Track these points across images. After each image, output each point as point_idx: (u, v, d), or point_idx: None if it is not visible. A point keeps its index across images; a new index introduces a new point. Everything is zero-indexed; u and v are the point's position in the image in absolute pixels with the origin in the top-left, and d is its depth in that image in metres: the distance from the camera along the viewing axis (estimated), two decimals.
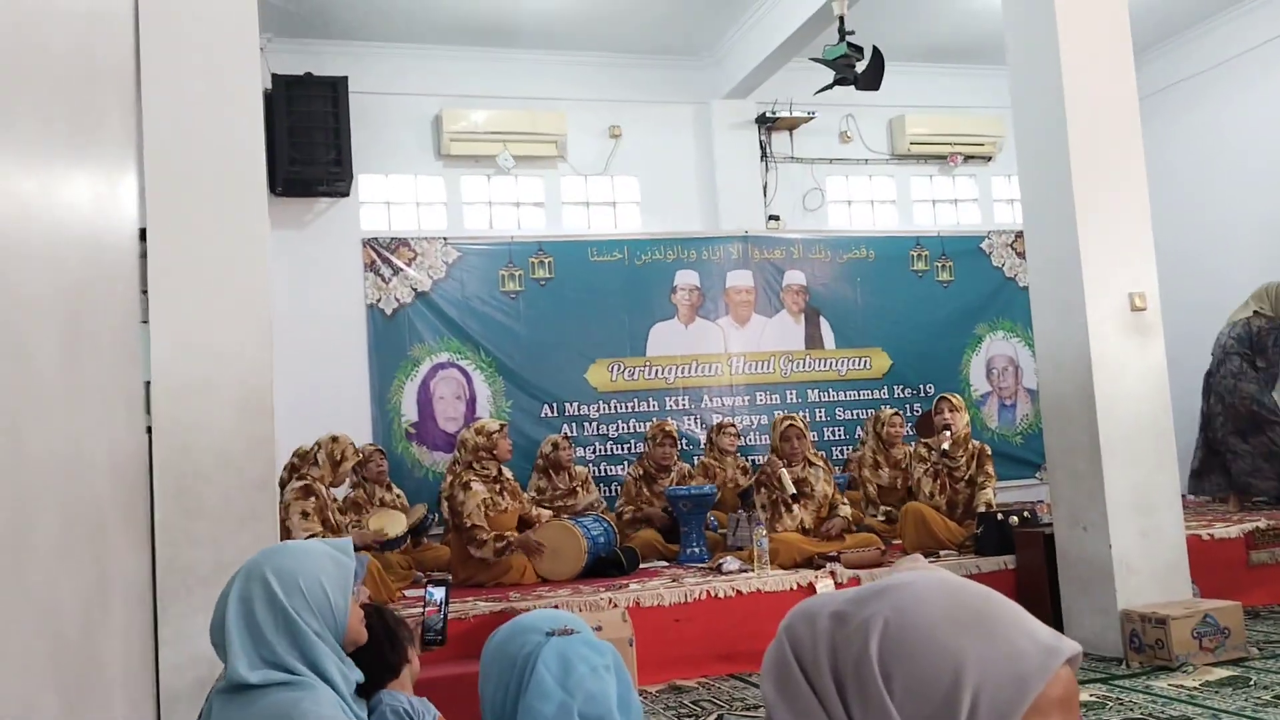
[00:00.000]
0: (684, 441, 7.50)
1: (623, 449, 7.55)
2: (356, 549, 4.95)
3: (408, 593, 5.25)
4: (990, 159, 8.80)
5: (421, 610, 3.87)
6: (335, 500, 5.60)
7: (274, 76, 6.79)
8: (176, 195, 4.00)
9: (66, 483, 0.57)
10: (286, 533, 4.85)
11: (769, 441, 6.09)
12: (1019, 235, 8.00)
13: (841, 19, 6.26)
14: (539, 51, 7.70)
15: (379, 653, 2.06)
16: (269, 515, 3.85)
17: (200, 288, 3.96)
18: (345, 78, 6.99)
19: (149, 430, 3.85)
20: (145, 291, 4.01)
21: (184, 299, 3.94)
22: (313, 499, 5.08)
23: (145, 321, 3.98)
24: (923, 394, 8.06)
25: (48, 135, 0.63)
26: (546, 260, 7.61)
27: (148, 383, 3.91)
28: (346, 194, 7.22)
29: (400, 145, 7.54)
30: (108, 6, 0.66)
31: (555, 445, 6.66)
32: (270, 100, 6.72)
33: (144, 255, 4.04)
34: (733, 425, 7.14)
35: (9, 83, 0.56)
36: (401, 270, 7.32)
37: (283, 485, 5.14)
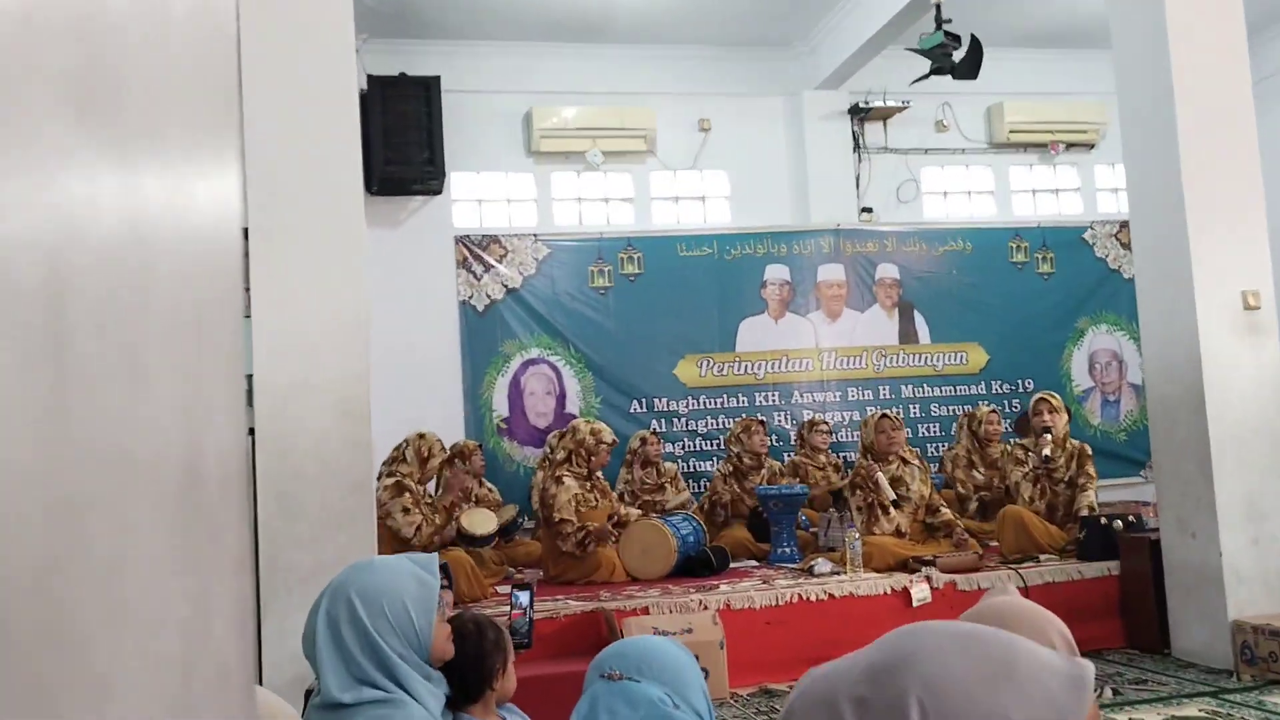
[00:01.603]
0: (774, 438, 7.44)
1: (711, 445, 7.51)
2: (454, 541, 5.01)
3: (499, 589, 5.31)
4: (1093, 146, 8.51)
5: (508, 612, 3.92)
6: (428, 496, 5.69)
7: (369, 77, 6.90)
8: (276, 197, 4.09)
9: (186, 488, 0.58)
10: (388, 530, 4.96)
11: (861, 439, 5.99)
12: (1124, 225, 7.72)
13: (938, 7, 6.12)
14: (628, 47, 7.68)
15: (462, 674, 2.07)
16: (366, 517, 3.92)
17: (300, 290, 4.05)
18: (438, 77, 7.07)
19: (251, 432, 3.96)
20: (248, 289, 4.12)
21: (284, 301, 4.03)
22: (406, 494, 5.17)
23: (247, 317, 4.10)
24: (1021, 390, 7.84)
25: (180, 138, 0.64)
26: (636, 256, 7.60)
27: (250, 380, 4.02)
28: (439, 192, 7.32)
29: (491, 143, 7.60)
30: (211, 7, 0.67)
31: (644, 440, 6.66)
32: (365, 101, 6.82)
33: (245, 255, 4.16)
34: (825, 423, 7.05)
35: (147, 84, 0.56)
36: (493, 267, 7.39)
37: (377, 479, 5.25)
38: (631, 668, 1.79)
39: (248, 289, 4.11)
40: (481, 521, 5.38)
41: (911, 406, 7.85)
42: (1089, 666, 0.82)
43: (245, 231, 4.20)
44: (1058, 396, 6.00)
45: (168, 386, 0.59)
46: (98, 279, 0.50)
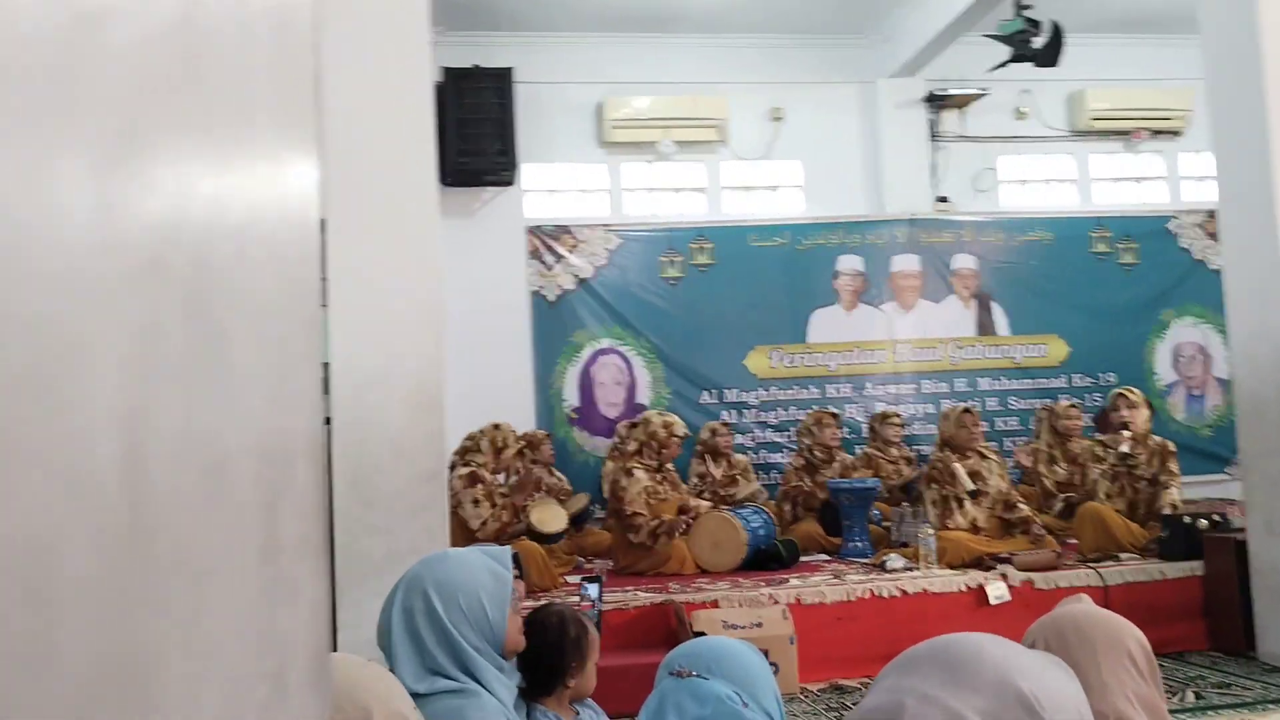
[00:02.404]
0: (845, 430, 7.36)
1: (782, 436, 7.46)
2: (522, 534, 5.04)
3: (568, 578, 5.34)
4: (1178, 134, 8.25)
5: (577, 603, 3.94)
6: (501, 486, 5.74)
7: (444, 70, 6.97)
8: (353, 190, 4.15)
9: (269, 473, 0.59)
10: (458, 520, 5.01)
11: (938, 431, 5.90)
12: (1210, 215, 7.49)
13: None
14: (700, 36, 7.64)
15: (536, 666, 2.09)
16: (439, 506, 3.98)
17: (376, 281, 4.11)
18: (511, 69, 7.11)
19: (328, 421, 4.04)
20: (325, 279, 4.20)
21: (361, 292, 4.09)
22: (479, 485, 5.22)
23: (324, 306, 4.17)
24: (1103, 383, 7.65)
25: (266, 129, 0.65)
26: (707, 246, 7.57)
27: (326, 369, 4.10)
28: (511, 183, 7.37)
29: (563, 133, 7.63)
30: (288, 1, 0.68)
31: (714, 431, 6.64)
32: (440, 93, 6.90)
33: (323, 246, 4.23)
34: (897, 415, 6.95)
35: (234, 76, 0.57)
36: (564, 257, 7.42)
37: (451, 469, 5.31)
38: (702, 666, 1.79)
39: (325, 279, 4.19)
40: (552, 519, 5.40)
41: (989, 399, 7.71)
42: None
43: (322, 223, 4.28)
44: (1137, 391, 5.83)
45: (255, 374, 0.59)
46: (190, 269, 0.50)
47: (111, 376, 0.43)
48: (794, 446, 7.03)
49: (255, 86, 0.63)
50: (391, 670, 1.97)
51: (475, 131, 6.99)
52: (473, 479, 5.23)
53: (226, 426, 0.55)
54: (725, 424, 6.85)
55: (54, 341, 0.39)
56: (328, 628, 0.81)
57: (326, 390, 4.07)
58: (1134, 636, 1.58)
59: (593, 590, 3.55)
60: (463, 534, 4.99)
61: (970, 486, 5.39)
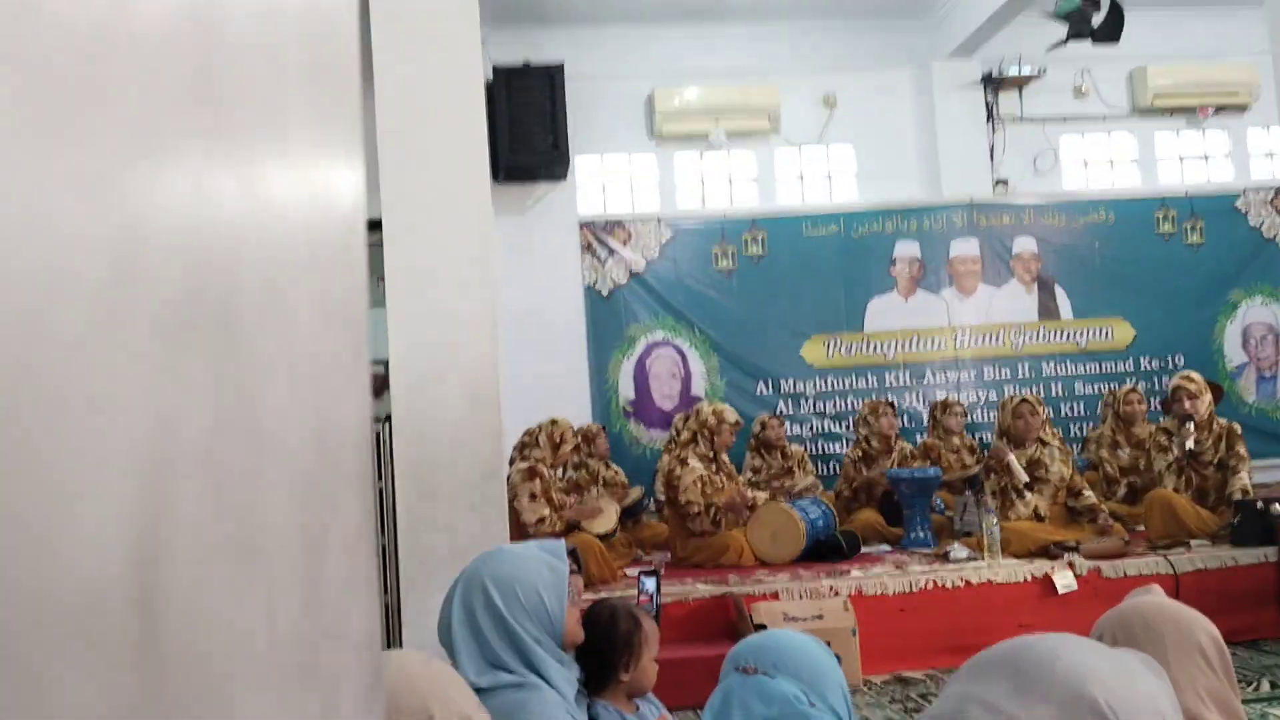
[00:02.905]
0: (906, 418, 7.29)
1: (840, 426, 7.40)
2: (573, 528, 5.07)
3: (628, 570, 5.35)
4: (1245, 109, 8.02)
5: (635, 597, 3.94)
6: (559, 481, 5.78)
7: (495, 68, 7.00)
8: (407, 190, 4.18)
9: (314, 473, 0.57)
10: (515, 514, 5.04)
11: (998, 422, 5.80)
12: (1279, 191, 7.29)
13: None
14: (749, 24, 7.59)
15: (592, 659, 2.09)
16: (498, 502, 4.00)
17: (432, 280, 4.14)
18: (561, 64, 7.12)
19: (388, 418, 4.08)
20: (382, 279, 4.25)
21: (417, 291, 4.13)
22: (537, 480, 5.25)
23: (381, 305, 4.22)
24: (1171, 365, 7.46)
25: (300, 133, 0.64)
26: (760, 236, 7.52)
27: (385, 368, 4.14)
28: (564, 177, 7.38)
29: (614, 127, 7.63)
30: (332, 5, 0.67)
31: (764, 424, 6.60)
32: (491, 91, 6.94)
33: (379, 245, 4.28)
34: (959, 404, 6.86)
35: (262, 78, 0.56)
36: (616, 251, 7.42)
37: (510, 464, 5.34)
38: (768, 663, 1.77)
39: (382, 279, 4.23)
40: (599, 523, 5.43)
41: (1054, 385, 7.58)
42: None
43: (379, 223, 4.32)
44: (1198, 377, 5.65)
45: (296, 380, 0.57)
46: (223, 273, 0.48)
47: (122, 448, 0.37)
48: (852, 437, 6.97)
49: (287, 86, 0.62)
50: (454, 664, 1.99)
51: (526, 128, 7.02)
52: (531, 473, 5.26)
53: (259, 495, 0.51)
54: (776, 416, 6.79)
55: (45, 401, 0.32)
56: (381, 650, 0.78)
57: (386, 388, 4.12)
58: (1205, 629, 1.53)
59: (650, 584, 3.55)
60: (518, 529, 5.02)
61: (1024, 479, 5.30)
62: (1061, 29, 5.99)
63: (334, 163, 0.71)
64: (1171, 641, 1.48)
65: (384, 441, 3.74)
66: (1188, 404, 5.44)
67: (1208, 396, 5.55)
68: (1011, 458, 5.35)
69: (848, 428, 7.28)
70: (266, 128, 0.58)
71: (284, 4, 0.62)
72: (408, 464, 3.92)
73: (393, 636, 4.12)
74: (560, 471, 5.89)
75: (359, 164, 0.75)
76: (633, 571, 5.15)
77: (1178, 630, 1.51)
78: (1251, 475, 5.50)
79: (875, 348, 7.53)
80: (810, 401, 7.46)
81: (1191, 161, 8.18)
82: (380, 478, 3.76)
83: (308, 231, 0.63)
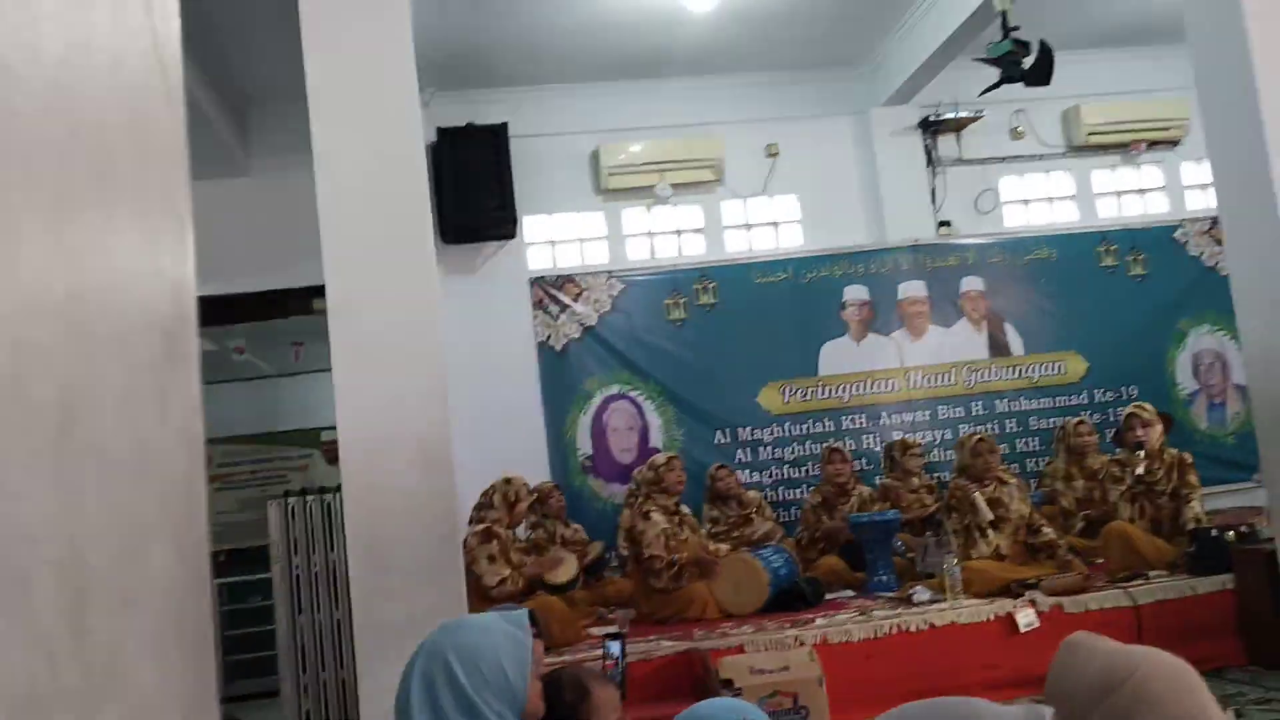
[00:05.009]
0: (863, 461, 7.31)
1: (799, 472, 7.40)
2: (533, 584, 4.98)
3: (592, 630, 5.28)
4: (1177, 143, 8.22)
5: (600, 661, 3.87)
6: (518, 541, 5.71)
7: (438, 130, 7.02)
8: (351, 255, 4.15)
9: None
10: (474, 578, 4.96)
11: (955, 459, 5.83)
12: (1215, 222, 7.43)
13: (1004, 14, 5.98)
14: (691, 78, 7.68)
15: None
16: (454, 569, 3.94)
17: (378, 345, 4.10)
18: (505, 124, 7.16)
19: (338, 488, 4.02)
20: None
21: (364, 357, 4.08)
22: (495, 542, 5.18)
23: (327, 370, 4.15)
24: (1125, 397, 7.53)
25: (107, 208, 0.62)
26: (710, 286, 7.56)
27: (332, 439, 4.08)
28: (512, 236, 7.39)
29: (560, 184, 7.66)
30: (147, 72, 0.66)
31: (713, 476, 6.58)
32: (436, 152, 6.95)
33: (324, 311, 4.24)
34: (917, 444, 6.90)
35: (75, 151, 0.54)
36: (569, 306, 7.42)
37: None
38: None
39: (329, 346, 4.18)
40: (560, 572, 5.36)
41: (1008, 421, 7.64)
42: (1048, 710, 0.90)
43: (322, 290, 4.29)
44: (1150, 407, 5.76)
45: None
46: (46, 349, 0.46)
47: None
48: (811, 482, 6.97)
49: (95, 159, 0.60)
50: None
51: (473, 188, 7.03)
52: (488, 535, 5.19)
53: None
54: (724, 466, 6.75)
55: None
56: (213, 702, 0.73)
57: (335, 459, 4.06)
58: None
59: (615, 647, 3.50)
60: (478, 593, 4.94)
61: (989, 516, 5.32)
62: (994, 73, 6.11)
63: (151, 234, 0.68)
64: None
65: (335, 512, 3.68)
66: (1140, 431, 5.52)
67: (1159, 426, 5.63)
68: (977, 496, 5.37)
69: (806, 472, 7.29)
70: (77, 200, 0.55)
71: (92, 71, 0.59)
72: (359, 533, 3.85)
73: (349, 713, 4.02)
74: (519, 532, 5.82)
75: (182, 233, 0.71)
76: (597, 631, 5.09)
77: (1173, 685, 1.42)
78: (1204, 503, 5.57)
79: (830, 392, 7.56)
80: (769, 448, 7.46)
81: (1128, 196, 8.36)
82: (331, 549, 3.70)
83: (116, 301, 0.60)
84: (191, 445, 0.70)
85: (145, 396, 0.64)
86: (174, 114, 0.74)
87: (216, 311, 6.43)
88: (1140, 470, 5.47)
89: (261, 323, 7.09)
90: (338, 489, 4.01)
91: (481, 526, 5.25)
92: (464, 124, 7.13)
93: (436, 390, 4.10)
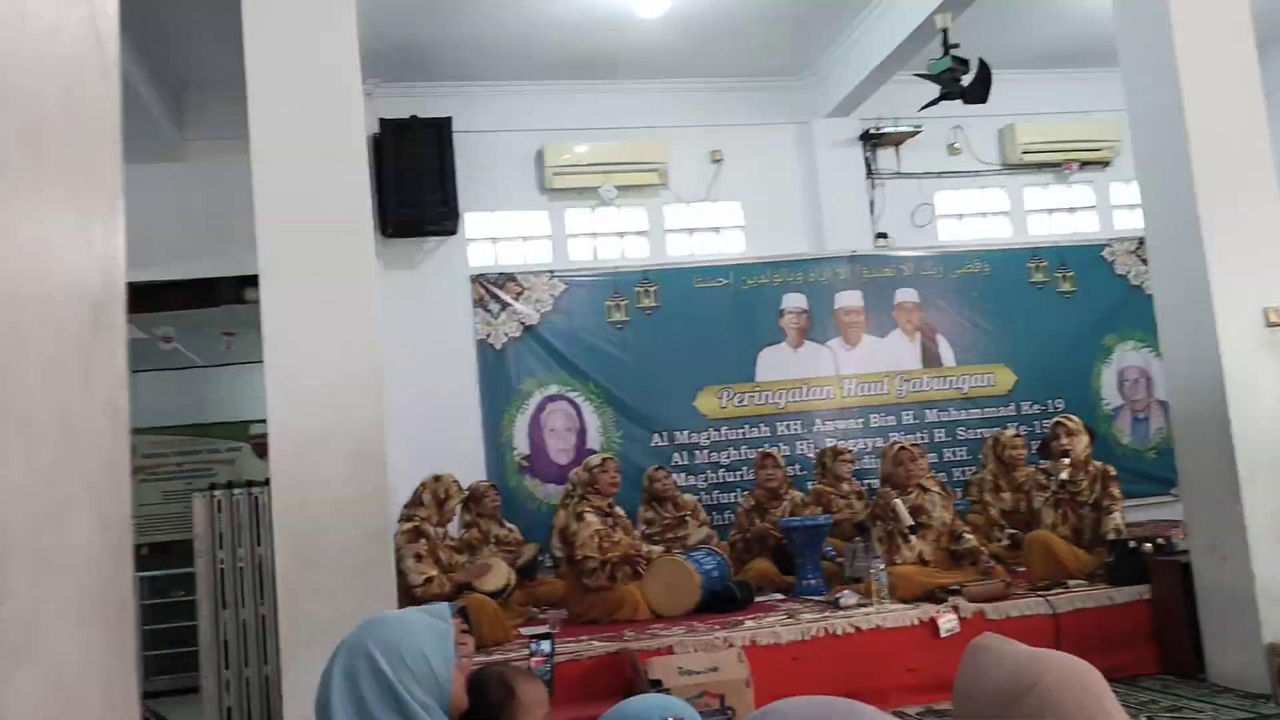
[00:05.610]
0: (797, 466, 7.39)
1: (735, 476, 7.46)
2: (463, 589, 4.94)
3: (523, 630, 5.27)
4: (1108, 164, 8.45)
5: (528, 660, 3.87)
6: (449, 539, 5.66)
7: (381, 121, 6.96)
8: (287, 244, 4.10)
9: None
10: (401, 576, 4.92)
11: (880, 469, 5.92)
12: (1142, 242, 7.65)
13: (945, 32, 6.10)
14: (638, 82, 7.71)
15: None
16: (385, 565, 3.91)
17: (313, 337, 4.05)
18: (449, 118, 7.11)
19: (266, 481, 3.96)
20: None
21: (298, 348, 4.03)
22: (423, 540, 5.14)
23: (259, 361, 4.09)
24: (1052, 410, 7.72)
25: (36, 187, 0.62)
26: (652, 289, 7.59)
27: (261, 433, 4.02)
28: (454, 232, 7.34)
29: (504, 181, 7.63)
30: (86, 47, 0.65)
31: (651, 478, 6.61)
32: (378, 144, 6.89)
33: (257, 301, 4.18)
34: (848, 451, 6.99)
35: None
36: (509, 305, 7.40)
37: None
38: (675, 715, 1.75)
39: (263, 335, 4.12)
40: (490, 579, 5.32)
41: (937, 431, 7.78)
42: None
43: (254, 279, 4.22)
44: (1076, 419, 5.92)
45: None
46: None
47: None
48: (746, 486, 7.03)
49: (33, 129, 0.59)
50: None
51: (415, 182, 6.96)
52: (416, 533, 5.15)
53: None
54: (662, 468, 6.79)
55: None
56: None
57: (265, 453, 4.00)
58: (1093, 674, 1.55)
59: (545, 646, 3.50)
60: (405, 592, 4.89)
61: (909, 523, 5.42)
62: (934, 89, 6.23)
63: (79, 215, 0.67)
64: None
65: (263, 506, 3.63)
66: (1066, 441, 5.66)
67: (1085, 437, 5.78)
68: (898, 502, 5.47)
69: (741, 476, 7.35)
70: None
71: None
72: (288, 529, 3.80)
73: (272, 711, 3.96)
74: (450, 530, 5.77)
75: (110, 215, 0.70)
76: (527, 631, 5.07)
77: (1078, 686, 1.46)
78: (1125, 515, 5.73)
79: (767, 398, 7.63)
80: (705, 452, 7.50)
81: (1059, 214, 8.56)
82: (258, 544, 3.65)
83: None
84: (116, 417, 0.70)
85: (71, 366, 0.63)
86: (109, 88, 0.74)
87: (145, 298, 6.30)
88: (1064, 476, 5.61)
89: (191, 311, 6.95)
90: (266, 483, 3.95)
91: (410, 525, 5.21)
92: (408, 116, 7.07)
93: (372, 385, 4.07)
